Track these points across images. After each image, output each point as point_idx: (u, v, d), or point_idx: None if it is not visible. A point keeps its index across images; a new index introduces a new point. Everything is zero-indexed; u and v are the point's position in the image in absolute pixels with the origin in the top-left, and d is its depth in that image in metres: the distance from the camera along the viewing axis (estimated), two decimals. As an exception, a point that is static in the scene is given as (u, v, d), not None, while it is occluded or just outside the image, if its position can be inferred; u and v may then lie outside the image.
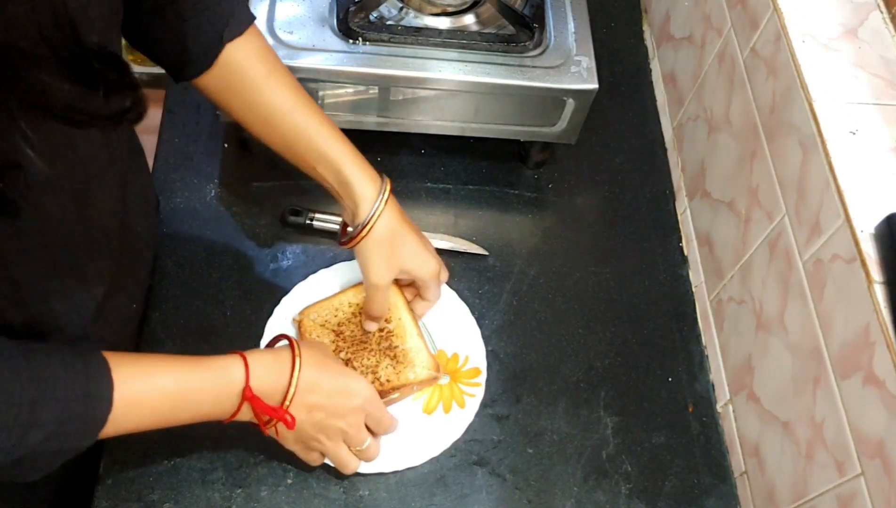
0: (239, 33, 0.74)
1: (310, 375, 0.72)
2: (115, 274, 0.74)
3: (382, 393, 0.82)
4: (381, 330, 0.87)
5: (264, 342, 0.88)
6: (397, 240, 0.81)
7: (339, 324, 0.87)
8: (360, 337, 0.87)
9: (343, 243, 0.82)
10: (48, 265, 0.64)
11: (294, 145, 0.79)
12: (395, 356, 0.86)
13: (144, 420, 0.66)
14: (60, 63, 0.47)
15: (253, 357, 0.71)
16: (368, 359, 0.85)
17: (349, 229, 0.82)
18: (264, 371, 0.70)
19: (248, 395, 0.69)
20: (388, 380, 0.84)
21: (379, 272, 0.81)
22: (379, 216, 0.79)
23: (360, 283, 0.88)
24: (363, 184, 0.79)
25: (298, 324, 0.88)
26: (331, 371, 0.75)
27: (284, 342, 0.76)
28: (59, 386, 0.59)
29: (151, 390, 0.65)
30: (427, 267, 0.84)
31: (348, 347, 0.86)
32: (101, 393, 0.61)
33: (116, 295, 0.76)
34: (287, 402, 0.71)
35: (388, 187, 0.80)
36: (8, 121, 0.48)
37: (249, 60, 0.76)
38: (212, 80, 0.75)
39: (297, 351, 0.72)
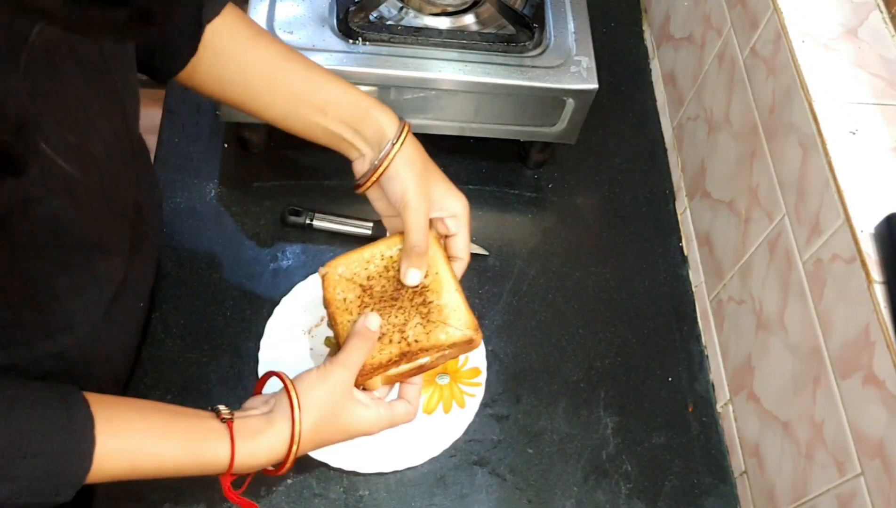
0: (216, 14, 0.72)
1: (309, 443, 0.69)
2: (125, 274, 0.74)
3: (410, 355, 0.74)
4: (415, 285, 0.78)
5: (264, 343, 0.88)
6: (429, 166, 0.76)
7: (368, 278, 0.78)
8: (391, 294, 0.77)
9: (368, 177, 0.75)
10: (61, 263, 0.64)
11: (298, 97, 0.75)
12: (427, 313, 0.76)
13: (127, 476, 0.64)
14: None
15: (241, 445, 0.65)
16: (397, 317, 0.76)
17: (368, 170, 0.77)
18: (252, 460, 0.67)
19: (226, 486, 0.68)
20: (416, 340, 0.75)
21: (417, 192, 0.73)
22: (408, 133, 0.74)
23: (395, 235, 0.79)
24: (383, 114, 0.75)
25: (323, 278, 0.79)
26: (334, 430, 0.70)
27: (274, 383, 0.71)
28: (37, 441, 0.57)
29: (136, 453, 0.63)
30: (460, 201, 0.78)
31: (375, 303, 0.77)
32: (81, 452, 0.59)
33: (126, 294, 0.75)
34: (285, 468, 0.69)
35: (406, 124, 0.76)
36: (36, 133, 0.48)
37: (232, 34, 0.73)
38: (200, 67, 0.73)
39: (294, 437, 0.67)
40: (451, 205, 0.77)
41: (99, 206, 0.63)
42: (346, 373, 0.69)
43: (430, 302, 0.76)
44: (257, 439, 0.66)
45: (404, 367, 0.73)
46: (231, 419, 0.66)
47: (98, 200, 0.63)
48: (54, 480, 0.58)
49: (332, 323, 0.78)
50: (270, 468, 0.69)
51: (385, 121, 0.75)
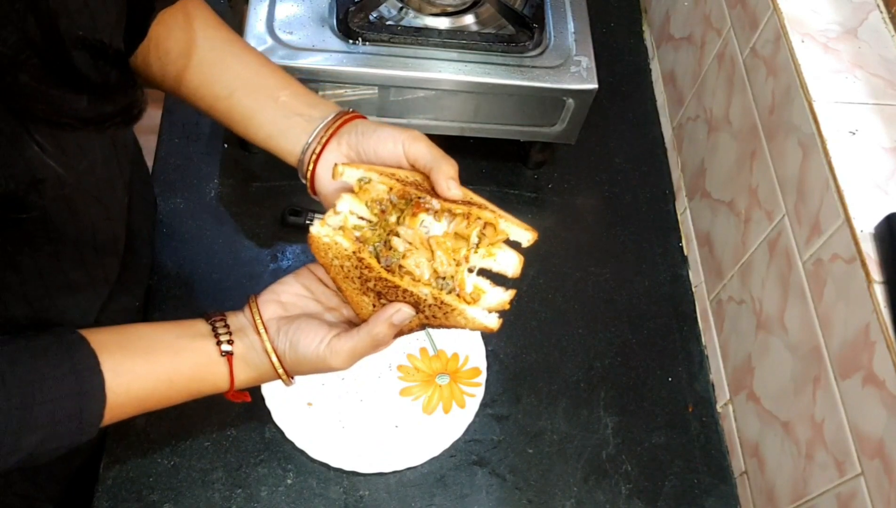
0: (169, 4, 0.70)
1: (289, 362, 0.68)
2: (120, 274, 0.74)
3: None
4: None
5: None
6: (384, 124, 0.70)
7: (399, 181, 0.65)
8: (430, 195, 0.64)
9: (324, 138, 0.68)
10: (55, 261, 0.64)
11: (253, 76, 0.72)
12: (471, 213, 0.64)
13: (143, 405, 0.65)
14: (47, 68, 0.46)
15: (238, 376, 0.67)
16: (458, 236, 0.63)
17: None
18: (248, 384, 0.68)
19: (231, 393, 0.68)
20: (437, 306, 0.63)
21: (401, 131, 0.68)
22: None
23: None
24: (333, 104, 0.73)
25: (311, 241, 0.65)
26: (307, 360, 0.68)
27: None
28: (48, 387, 0.58)
29: (143, 378, 0.64)
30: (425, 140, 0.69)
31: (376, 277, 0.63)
32: (93, 388, 0.60)
33: (120, 294, 0.76)
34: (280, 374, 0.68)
35: None
36: (24, 135, 0.49)
37: (181, 17, 0.72)
38: (149, 59, 0.71)
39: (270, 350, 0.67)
40: (423, 139, 0.69)
41: (93, 207, 0.63)
42: (341, 367, 0.66)
43: (471, 203, 0.64)
44: (252, 369, 0.68)
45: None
46: (231, 353, 0.67)
47: (92, 201, 0.63)
48: (75, 420, 0.59)
49: (335, 284, 0.68)
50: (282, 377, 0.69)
51: (336, 107, 0.72)
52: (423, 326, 0.67)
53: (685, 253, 1.07)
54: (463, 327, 0.65)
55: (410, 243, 0.63)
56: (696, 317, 1.02)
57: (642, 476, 0.89)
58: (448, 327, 0.65)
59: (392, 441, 0.85)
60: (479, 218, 0.64)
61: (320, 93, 0.96)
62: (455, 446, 0.87)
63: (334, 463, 0.83)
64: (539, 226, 1.06)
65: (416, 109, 0.99)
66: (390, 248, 0.64)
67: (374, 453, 0.84)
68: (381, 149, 0.68)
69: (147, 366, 0.64)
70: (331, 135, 0.69)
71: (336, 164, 0.66)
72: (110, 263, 0.72)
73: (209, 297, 0.93)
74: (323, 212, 0.68)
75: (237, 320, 0.68)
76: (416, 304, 0.64)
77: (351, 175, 0.65)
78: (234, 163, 1.04)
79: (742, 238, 0.94)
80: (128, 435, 0.83)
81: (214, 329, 0.68)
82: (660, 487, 0.89)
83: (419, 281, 0.63)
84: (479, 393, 0.89)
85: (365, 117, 0.72)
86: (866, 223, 0.72)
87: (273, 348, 0.67)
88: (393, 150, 0.68)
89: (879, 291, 0.69)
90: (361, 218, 0.65)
